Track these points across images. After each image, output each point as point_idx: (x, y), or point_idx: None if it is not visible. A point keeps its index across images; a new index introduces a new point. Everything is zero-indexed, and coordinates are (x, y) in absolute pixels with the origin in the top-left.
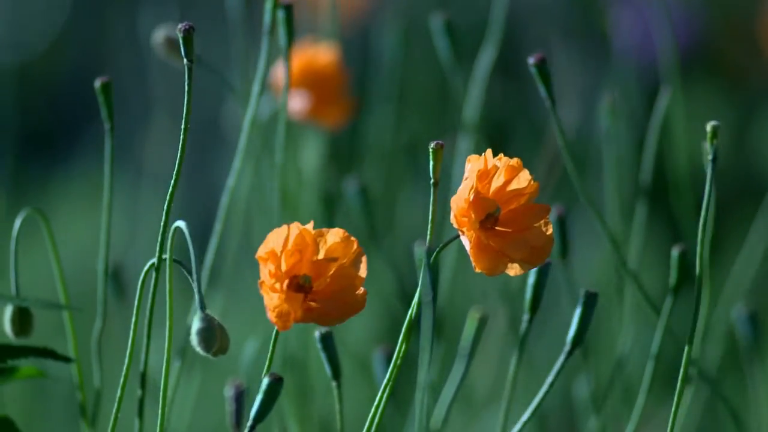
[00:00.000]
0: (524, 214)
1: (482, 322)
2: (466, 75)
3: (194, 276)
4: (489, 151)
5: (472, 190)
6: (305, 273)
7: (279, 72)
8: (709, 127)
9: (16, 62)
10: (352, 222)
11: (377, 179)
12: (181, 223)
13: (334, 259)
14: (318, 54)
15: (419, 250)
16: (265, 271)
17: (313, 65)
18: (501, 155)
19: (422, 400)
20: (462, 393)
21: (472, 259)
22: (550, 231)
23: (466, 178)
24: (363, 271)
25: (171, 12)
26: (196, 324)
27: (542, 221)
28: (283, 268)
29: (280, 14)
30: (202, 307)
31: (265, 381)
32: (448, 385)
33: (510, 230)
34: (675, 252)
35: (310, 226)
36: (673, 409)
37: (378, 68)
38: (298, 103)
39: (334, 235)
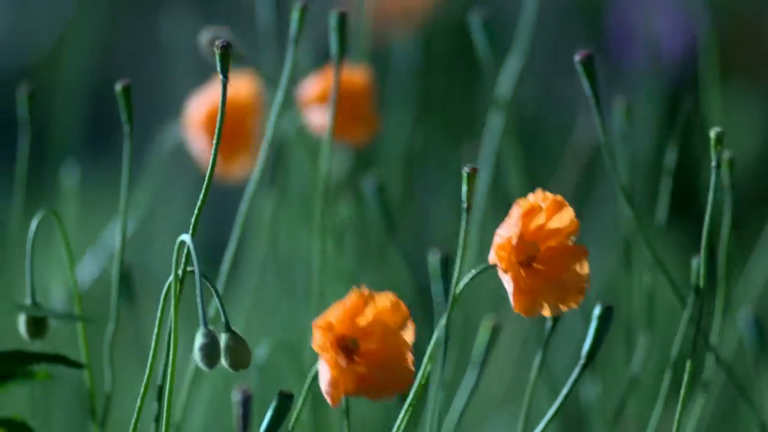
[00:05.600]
0: (562, 255)
1: (495, 332)
2: (492, 79)
3: (198, 292)
4: (539, 191)
5: (516, 235)
6: (353, 336)
7: (307, 87)
8: (713, 133)
9: (25, 64)
10: (372, 228)
11: (395, 185)
12: (185, 237)
13: (382, 327)
14: (347, 72)
15: (433, 259)
16: (319, 338)
17: (342, 82)
18: (547, 193)
19: (434, 411)
20: (477, 396)
21: (512, 299)
22: (586, 270)
23: (512, 221)
24: (410, 337)
25: (191, 15)
26: (198, 340)
27: (578, 262)
28: (335, 334)
29: (333, 22)
30: (205, 324)
31: (276, 397)
32: (459, 393)
33: (546, 269)
34: (695, 262)
35: (363, 290)
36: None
37: (400, 74)
38: (320, 119)
39: (384, 300)
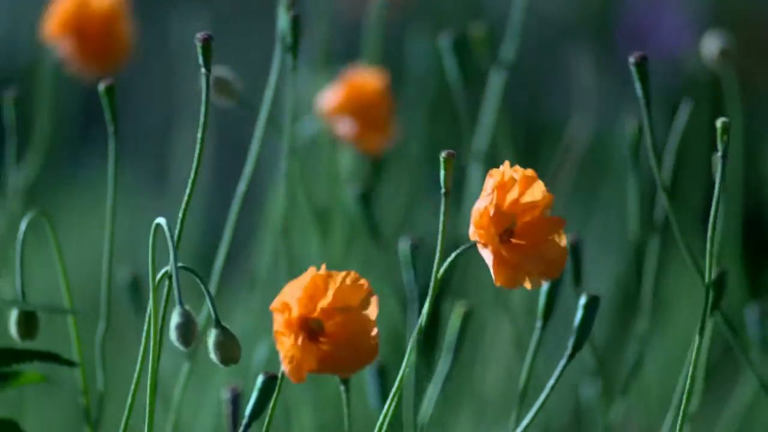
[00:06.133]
0: (539, 226)
1: (467, 317)
2: (482, 83)
3: (174, 275)
4: (506, 163)
5: (493, 205)
6: (316, 318)
7: (328, 97)
8: (719, 123)
9: (24, 64)
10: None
11: (402, 185)
12: (161, 220)
13: (345, 306)
14: (366, 80)
15: (403, 247)
16: (279, 321)
17: (360, 92)
18: (517, 167)
19: (410, 398)
20: (473, 397)
21: (492, 272)
22: (564, 243)
23: (486, 193)
24: (374, 313)
25: (201, 17)
26: (173, 319)
27: (556, 234)
28: (295, 315)
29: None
30: (181, 303)
31: (260, 378)
32: (434, 381)
33: (525, 243)
34: (715, 274)
35: (322, 269)
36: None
37: (407, 75)
38: (342, 129)
39: (344, 278)
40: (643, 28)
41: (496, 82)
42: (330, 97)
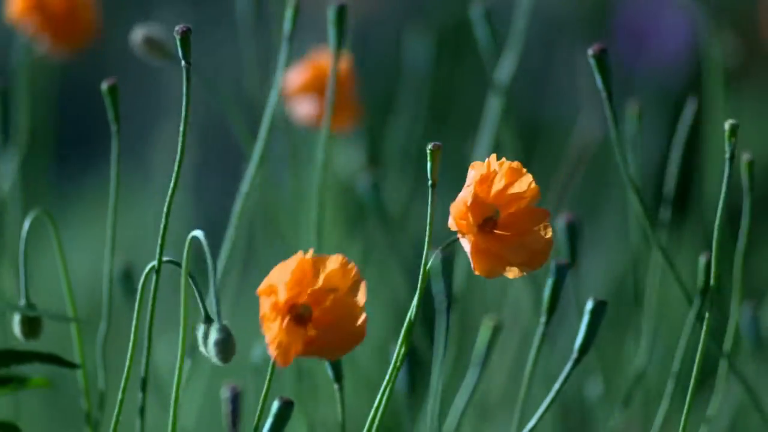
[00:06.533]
0: (524, 217)
1: (496, 331)
2: (485, 82)
3: (212, 288)
4: (493, 156)
5: (471, 195)
6: (304, 302)
7: (291, 77)
8: (727, 125)
9: (27, 66)
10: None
11: (403, 183)
12: (198, 233)
13: (333, 290)
14: (328, 58)
15: (434, 262)
16: (266, 305)
17: (323, 72)
18: (503, 159)
19: (434, 408)
20: (476, 398)
21: (471, 261)
22: (549, 235)
23: (468, 185)
24: (362, 298)
25: (183, 14)
26: (213, 335)
27: (541, 225)
28: (282, 299)
29: (331, 15)
30: (220, 318)
31: (276, 404)
32: (461, 393)
33: (508, 233)
34: (702, 259)
35: (309, 254)
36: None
37: (406, 74)
38: (306, 109)
39: (333, 262)
40: (644, 28)
41: (498, 82)
42: (293, 77)
